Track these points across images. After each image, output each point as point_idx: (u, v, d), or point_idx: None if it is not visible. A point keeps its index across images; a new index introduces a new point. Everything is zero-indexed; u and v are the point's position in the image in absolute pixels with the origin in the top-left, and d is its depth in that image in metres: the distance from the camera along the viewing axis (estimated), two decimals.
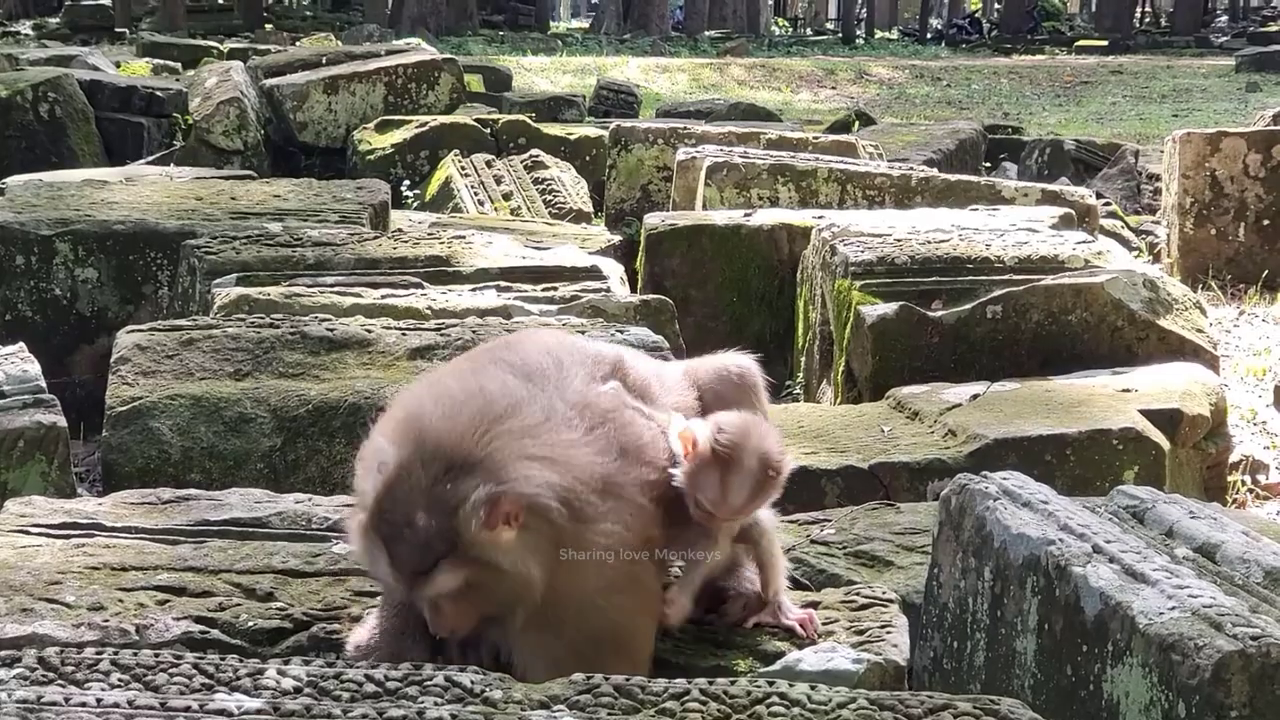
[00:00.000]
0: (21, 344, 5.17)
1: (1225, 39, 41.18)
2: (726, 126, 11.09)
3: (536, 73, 27.05)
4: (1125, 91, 27.07)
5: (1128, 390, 5.66)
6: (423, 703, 2.78)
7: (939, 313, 6.12)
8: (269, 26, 33.46)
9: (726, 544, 3.26)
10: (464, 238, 6.58)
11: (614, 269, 6.66)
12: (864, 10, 51.97)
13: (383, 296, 5.87)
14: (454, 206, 10.28)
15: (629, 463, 3.08)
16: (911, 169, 9.28)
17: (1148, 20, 50.82)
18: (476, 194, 10.56)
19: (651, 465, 3.12)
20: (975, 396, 5.64)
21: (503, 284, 5.99)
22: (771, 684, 2.89)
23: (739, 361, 3.44)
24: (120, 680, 2.81)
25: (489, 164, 11.14)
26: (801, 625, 3.30)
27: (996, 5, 50.06)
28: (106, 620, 3.25)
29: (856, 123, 15.85)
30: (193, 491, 3.98)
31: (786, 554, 4.15)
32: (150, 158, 11.46)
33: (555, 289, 5.96)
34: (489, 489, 2.85)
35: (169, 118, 12.46)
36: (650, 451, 3.14)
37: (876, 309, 6.12)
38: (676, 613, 3.20)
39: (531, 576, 2.92)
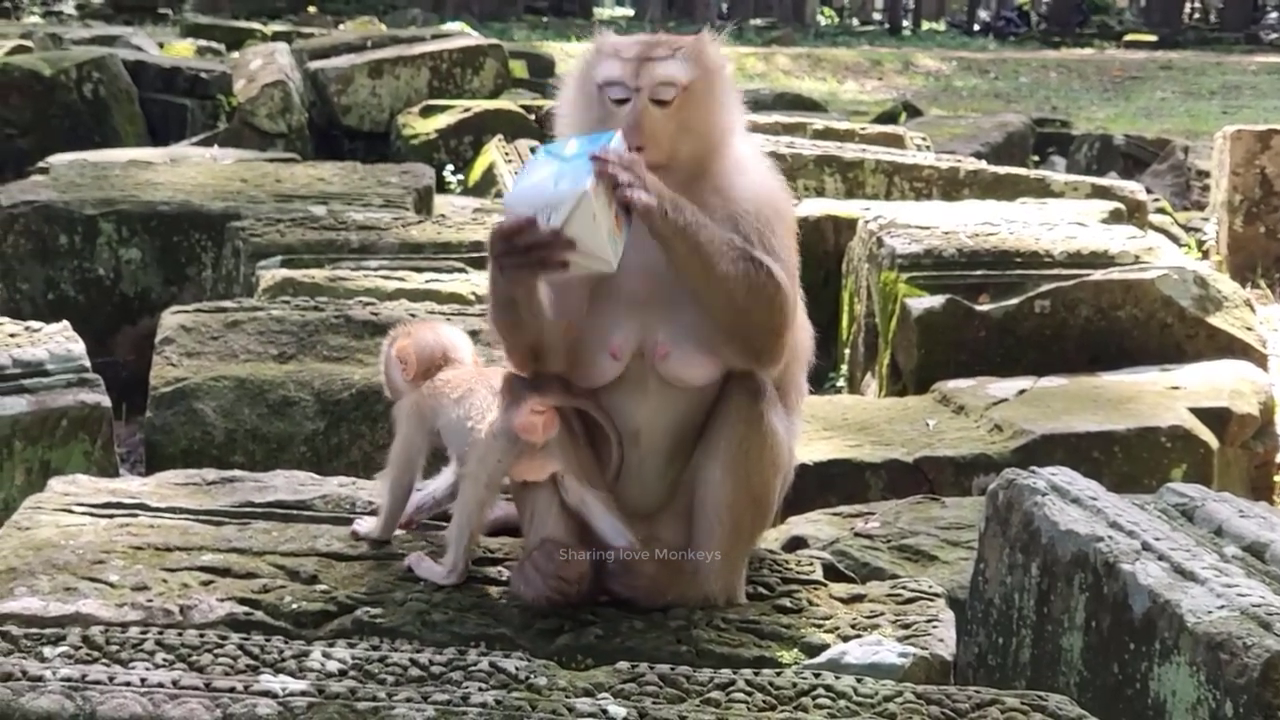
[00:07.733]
0: (65, 322, 5.16)
1: (1275, 36, 40.84)
2: (773, 116, 11.03)
3: None
4: (1174, 87, 26.80)
5: (1176, 388, 5.61)
6: (467, 688, 2.78)
7: (986, 306, 6.08)
8: (312, 9, 33.44)
9: None
10: None
11: None
12: (911, 0, 51.77)
13: (427, 281, 5.87)
14: (497, 192, 10.24)
15: None
16: (960, 161, 9.21)
17: (1197, 16, 50.42)
18: None
19: None
20: (1022, 392, 5.60)
21: None
22: (817, 676, 2.87)
23: None
24: (165, 660, 2.81)
25: (533, 150, 11.07)
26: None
27: None
28: (150, 600, 3.25)
29: (903, 114, 15.75)
30: (238, 473, 3.99)
31: (830, 546, 4.14)
32: (195, 139, 11.46)
33: None
34: None
35: (213, 99, 12.48)
36: None
37: (923, 301, 6.08)
38: None
39: None
